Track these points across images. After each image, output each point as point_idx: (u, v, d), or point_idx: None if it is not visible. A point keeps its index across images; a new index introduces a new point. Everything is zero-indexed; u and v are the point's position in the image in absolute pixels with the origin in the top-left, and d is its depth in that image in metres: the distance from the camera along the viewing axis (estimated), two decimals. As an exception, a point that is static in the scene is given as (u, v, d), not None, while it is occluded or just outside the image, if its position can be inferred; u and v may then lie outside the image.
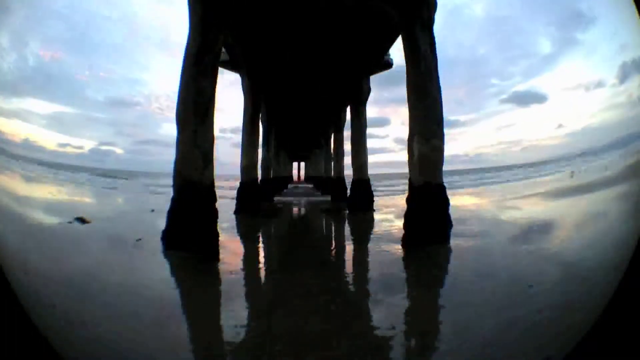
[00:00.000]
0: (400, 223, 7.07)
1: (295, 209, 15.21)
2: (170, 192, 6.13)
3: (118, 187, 28.17)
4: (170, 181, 6.15)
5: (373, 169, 13.85)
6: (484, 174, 45.13)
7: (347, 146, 15.94)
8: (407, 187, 6.89)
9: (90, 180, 33.14)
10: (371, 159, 13.96)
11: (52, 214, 9.17)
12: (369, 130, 14.06)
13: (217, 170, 6.60)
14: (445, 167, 6.64)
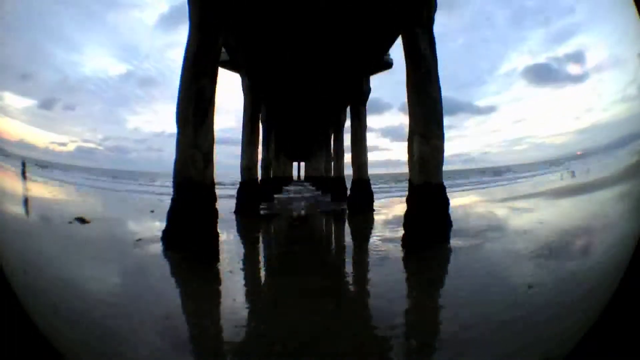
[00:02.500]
0: (400, 223, 7.08)
1: (295, 209, 15.20)
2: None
3: (114, 187, 28.16)
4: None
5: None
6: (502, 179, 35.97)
7: (347, 142, 15.91)
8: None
9: (85, 180, 33.16)
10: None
11: (52, 214, 9.17)
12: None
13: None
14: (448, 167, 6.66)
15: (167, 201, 6.17)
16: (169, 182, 6.47)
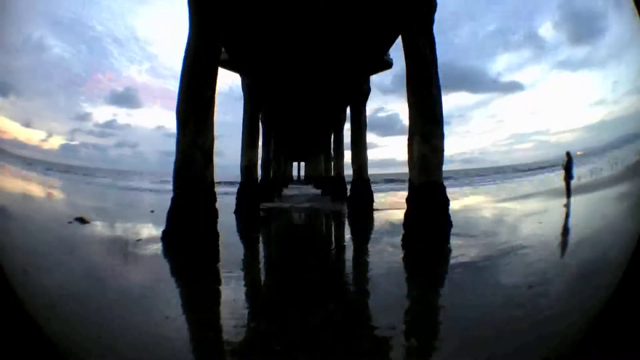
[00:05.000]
0: (400, 223, 7.08)
1: (295, 209, 15.20)
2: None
3: (109, 185, 28.15)
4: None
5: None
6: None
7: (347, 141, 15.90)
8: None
9: (77, 179, 33.14)
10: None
11: (51, 213, 9.17)
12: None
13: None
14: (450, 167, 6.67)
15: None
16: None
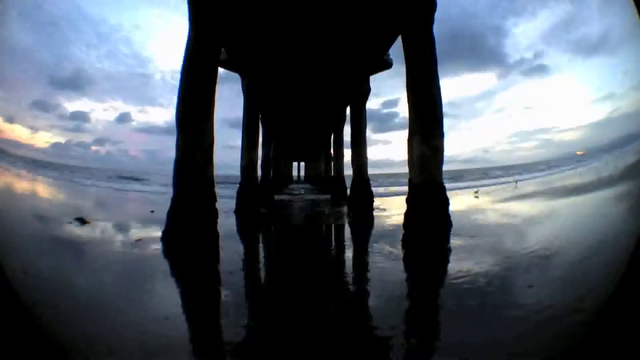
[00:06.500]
0: (400, 222, 7.08)
1: (295, 209, 15.19)
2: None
3: (108, 185, 28.15)
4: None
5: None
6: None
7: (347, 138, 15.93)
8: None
9: (68, 177, 33.15)
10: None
11: (51, 214, 9.17)
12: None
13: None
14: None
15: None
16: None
